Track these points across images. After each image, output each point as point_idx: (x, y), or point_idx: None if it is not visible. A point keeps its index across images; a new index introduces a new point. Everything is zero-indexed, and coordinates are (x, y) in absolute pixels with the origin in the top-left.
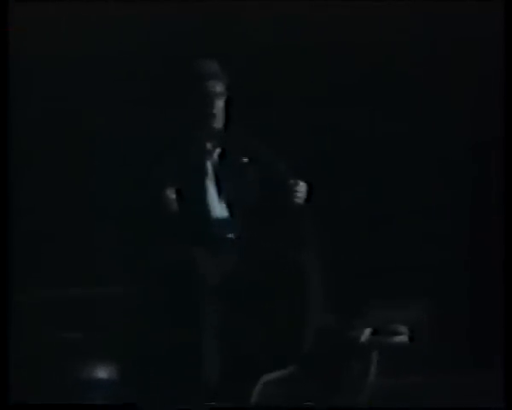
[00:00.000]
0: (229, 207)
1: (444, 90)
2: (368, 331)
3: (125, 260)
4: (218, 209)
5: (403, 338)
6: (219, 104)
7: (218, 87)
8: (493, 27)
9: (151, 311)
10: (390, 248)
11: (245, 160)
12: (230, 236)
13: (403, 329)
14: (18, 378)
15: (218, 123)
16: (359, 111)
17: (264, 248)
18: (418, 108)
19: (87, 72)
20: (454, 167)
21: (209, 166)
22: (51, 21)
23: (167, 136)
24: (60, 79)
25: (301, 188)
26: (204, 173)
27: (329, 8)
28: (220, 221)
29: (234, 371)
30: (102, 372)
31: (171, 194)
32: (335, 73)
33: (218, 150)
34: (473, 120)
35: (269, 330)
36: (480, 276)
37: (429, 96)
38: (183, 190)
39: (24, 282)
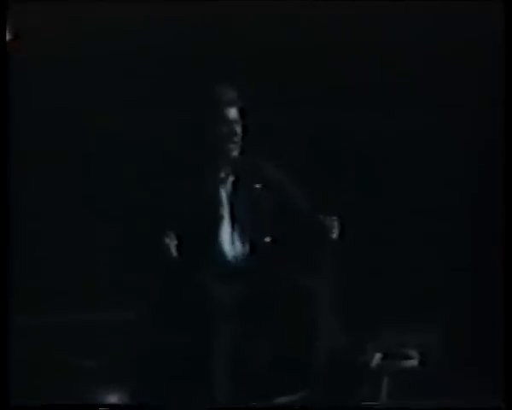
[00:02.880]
0: (242, 234)
1: (444, 90)
2: (378, 356)
3: (140, 287)
4: (231, 236)
5: (413, 362)
6: (237, 131)
7: (235, 113)
8: (493, 27)
9: (162, 335)
10: (399, 272)
11: (258, 186)
12: (243, 263)
13: (413, 353)
14: (18, 382)
15: (235, 150)
16: (358, 113)
17: (277, 274)
18: (417, 109)
19: (88, 73)
20: (454, 168)
21: (223, 194)
22: (51, 21)
23: (182, 162)
24: (60, 79)
25: (334, 223)
26: (218, 201)
27: (329, 8)
28: (233, 248)
29: (246, 393)
30: (112, 394)
31: (172, 240)
32: (332, 73)
33: (231, 178)
34: (473, 120)
35: (281, 354)
36: (483, 282)
37: (429, 97)
38: (197, 217)
39: (25, 295)
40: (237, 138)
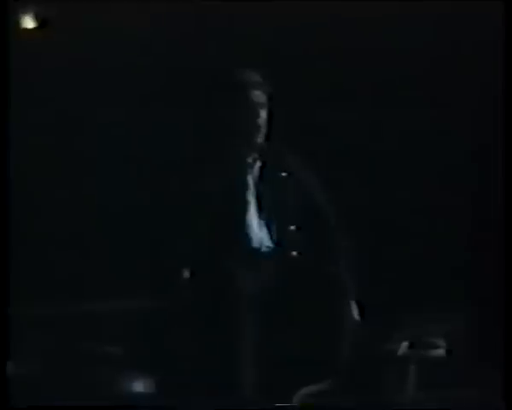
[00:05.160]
0: (269, 221)
1: (444, 91)
2: (405, 345)
3: (165, 273)
4: (258, 223)
5: (440, 351)
6: (262, 116)
7: (261, 98)
8: (493, 27)
9: (186, 322)
10: (423, 261)
11: (284, 174)
12: (268, 249)
13: (440, 342)
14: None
15: (260, 135)
16: (358, 112)
17: (302, 262)
18: (417, 109)
19: (89, 73)
20: (454, 169)
21: (250, 179)
22: (53, 19)
23: (208, 147)
24: (61, 77)
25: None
26: (245, 187)
27: (330, 8)
28: (259, 235)
29: (270, 382)
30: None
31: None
32: (334, 73)
33: (258, 164)
34: (473, 120)
35: (306, 343)
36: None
37: (429, 97)
38: (224, 202)
39: (27, 287)
40: (263, 123)
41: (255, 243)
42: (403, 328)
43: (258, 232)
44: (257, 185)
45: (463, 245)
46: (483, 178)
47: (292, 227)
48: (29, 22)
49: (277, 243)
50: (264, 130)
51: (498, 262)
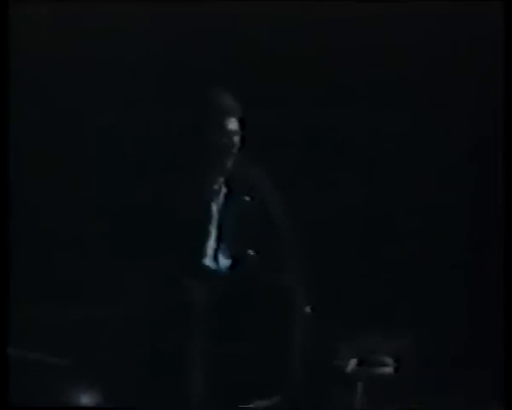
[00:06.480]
0: (228, 247)
1: (443, 91)
2: (353, 362)
3: (122, 285)
4: (216, 249)
5: (388, 369)
6: (235, 142)
7: (234, 124)
8: (493, 27)
9: (141, 335)
10: (377, 278)
11: (247, 198)
12: (224, 271)
13: (388, 360)
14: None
15: (230, 161)
16: (357, 112)
17: (257, 280)
18: (417, 109)
19: (88, 73)
20: (454, 169)
21: (214, 204)
22: (51, 21)
23: (176, 169)
24: (60, 78)
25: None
26: (209, 213)
27: (328, 9)
28: (216, 258)
29: (219, 398)
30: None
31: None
32: (334, 74)
33: (224, 190)
34: (472, 120)
35: (255, 359)
36: (476, 281)
37: (429, 97)
38: (186, 225)
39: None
40: (234, 149)
41: (212, 268)
42: (353, 344)
43: (215, 258)
44: (220, 212)
45: (462, 245)
46: (483, 178)
47: (251, 252)
48: None
49: (233, 266)
50: (233, 156)
51: (498, 262)
